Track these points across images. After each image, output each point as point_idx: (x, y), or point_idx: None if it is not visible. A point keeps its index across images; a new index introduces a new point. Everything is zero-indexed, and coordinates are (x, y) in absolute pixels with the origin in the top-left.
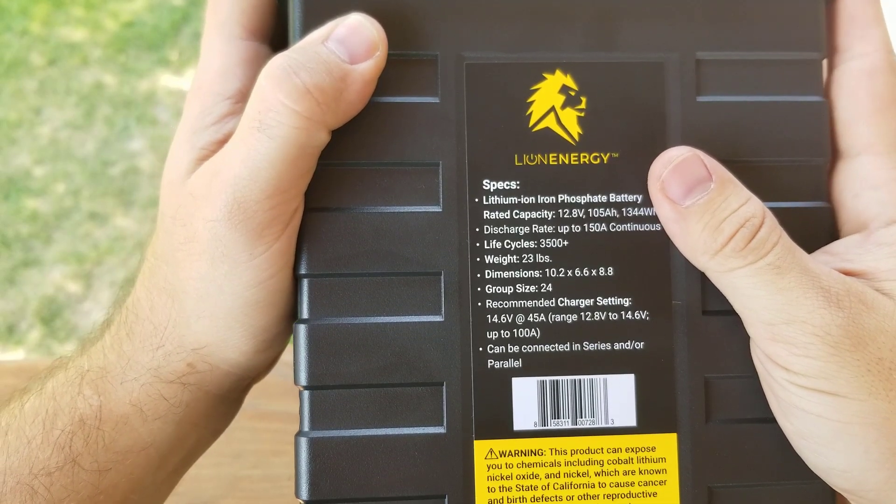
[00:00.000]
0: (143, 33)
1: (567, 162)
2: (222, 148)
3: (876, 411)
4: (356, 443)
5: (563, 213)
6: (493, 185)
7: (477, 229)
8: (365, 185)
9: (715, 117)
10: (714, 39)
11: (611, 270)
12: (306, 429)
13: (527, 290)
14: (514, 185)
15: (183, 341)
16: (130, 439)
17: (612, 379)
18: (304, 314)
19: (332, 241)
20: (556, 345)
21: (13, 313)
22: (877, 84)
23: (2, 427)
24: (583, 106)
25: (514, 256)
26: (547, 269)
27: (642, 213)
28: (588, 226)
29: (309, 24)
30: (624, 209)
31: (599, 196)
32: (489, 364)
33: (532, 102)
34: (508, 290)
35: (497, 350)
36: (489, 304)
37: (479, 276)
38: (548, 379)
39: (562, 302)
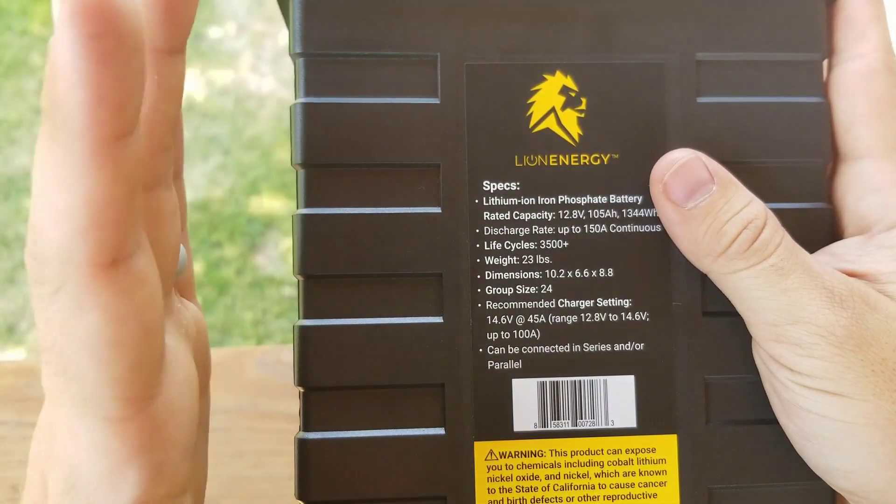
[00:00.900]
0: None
1: (567, 163)
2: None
3: (880, 412)
4: (356, 444)
5: (564, 214)
6: (494, 186)
7: (477, 230)
8: (365, 186)
9: (715, 118)
10: (714, 40)
11: (611, 271)
12: (306, 430)
13: (527, 292)
14: (514, 186)
15: None
16: None
17: (613, 380)
18: (304, 315)
19: (332, 242)
20: (557, 346)
21: (13, 313)
22: (875, 86)
23: None
24: (583, 107)
25: (515, 257)
26: (547, 270)
27: (642, 215)
28: (588, 227)
29: (309, 24)
30: (624, 210)
31: (600, 197)
32: (489, 365)
33: (532, 103)
34: (508, 291)
35: (497, 351)
36: (489, 305)
37: (479, 277)
38: (548, 380)
39: (562, 303)
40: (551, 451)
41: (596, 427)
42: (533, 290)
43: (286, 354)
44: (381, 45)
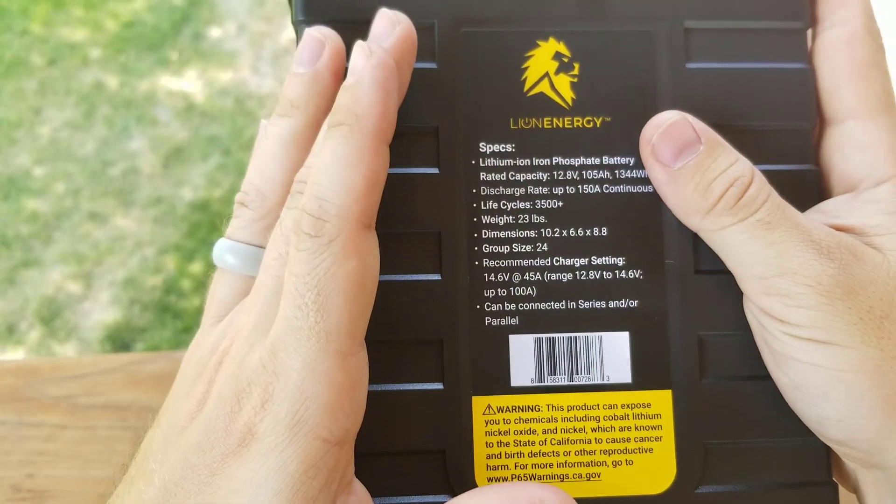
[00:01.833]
0: (143, 33)
1: (561, 126)
2: None
3: (868, 358)
4: None
5: (558, 175)
6: (490, 148)
7: (474, 190)
8: None
9: (703, 83)
10: (702, 9)
11: (604, 230)
12: None
13: (523, 250)
14: (509, 147)
15: None
16: None
17: (607, 336)
18: None
19: None
20: (552, 303)
21: (13, 313)
22: (856, 50)
23: None
24: (576, 72)
25: (511, 216)
26: (542, 229)
27: (634, 175)
28: (582, 187)
29: (311, 0)
30: (617, 171)
31: (593, 158)
32: (486, 321)
33: (527, 68)
34: (505, 249)
35: (494, 308)
36: (486, 262)
37: (476, 235)
38: (544, 336)
39: (557, 261)
40: (548, 405)
41: (592, 382)
42: (529, 248)
43: None
44: None
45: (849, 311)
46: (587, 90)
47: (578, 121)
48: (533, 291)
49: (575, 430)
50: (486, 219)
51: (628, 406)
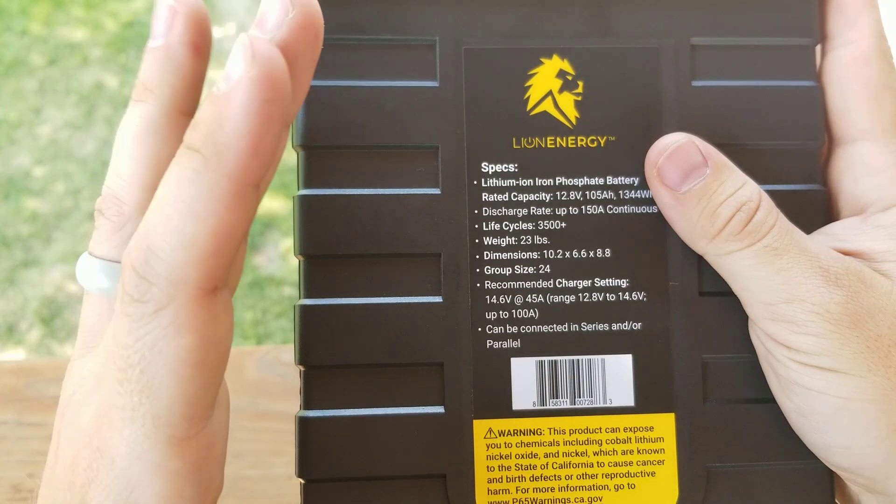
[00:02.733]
0: (143, 33)
1: (564, 145)
2: None
3: (876, 387)
4: (356, 422)
5: (561, 196)
6: (492, 168)
7: (476, 211)
8: (365, 168)
9: (710, 102)
10: (708, 25)
11: (608, 252)
12: (306, 409)
13: (525, 271)
14: (512, 167)
15: None
16: None
17: (610, 359)
18: (304, 295)
19: (332, 222)
20: (555, 325)
21: (13, 313)
22: (868, 71)
23: None
24: (580, 90)
25: (513, 238)
26: (545, 251)
27: (639, 196)
28: (585, 208)
29: None
30: (621, 191)
31: (596, 179)
32: (488, 344)
33: (530, 87)
34: (507, 271)
35: (496, 330)
36: (488, 284)
37: (477, 257)
38: (546, 359)
39: (560, 283)
40: (550, 429)
41: (594, 406)
42: (531, 269)
43: (286, 354)
44: (381, 30)
45: (857, 340)
46: (591, 109)
47: (582, 140)
48: (535, 313)
49: (577, 454)
50: (487, 240)
51: (631, 429)
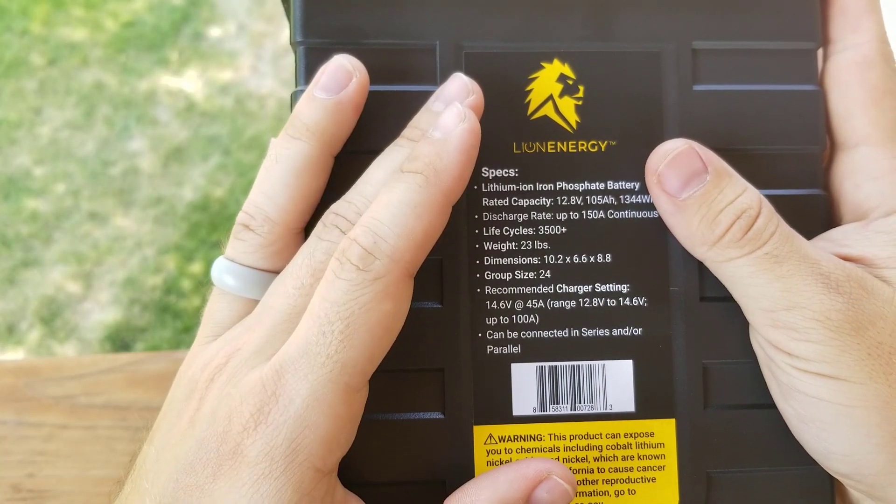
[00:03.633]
0: (143, 33)
1: (565, 150)
2: None
3: (877, 395)
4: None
5: (562, 201)
6: (492, 173)
7: (476, 216)
8: (365, 170)
9: (711, 106)
10: (710, 29)
11: (609, 257)
12: None
13: (525, 277)
14: (512, 172)
15: None
16: None
17: (611, 365)
18: None
19: None
20: (555, 331)
21: (13, 313)
22: (870, 76)
23: None
24: (580, 94)
25: (513, 243)
26: (545, 256)
27: (639, 201)
28: (586, 213)
29: (309, 13)
30: (622, 196)
31: (597, 183)
32: (488, 350)
33: (530, 91)
34: (507, 276)
35: (496, 336)
36: (488, 290)
37: (478, 262)
38: (546, 365)
39: (560, 288)
40: (550, 435)
41: (595, 411)
42: (531, 275)
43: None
44: (381, 34)
45: (857, 347)
46: (592, 113)
47: (583, 145)
48: (535, 319)
49: (577, 460)
50: (488, 245)
51: (631, 435)
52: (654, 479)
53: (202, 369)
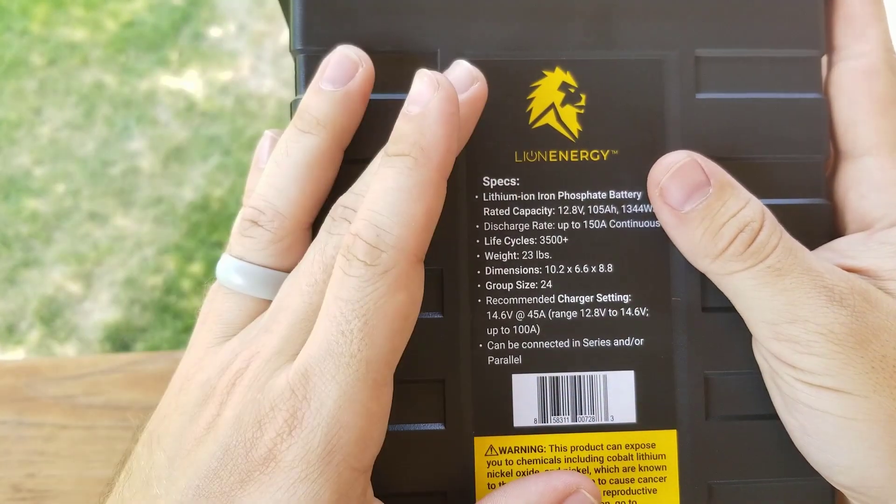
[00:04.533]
0: (143, 33)
1: (567, 159)
2: None
3: (880, 408)
4: None
5: (563, 210)
6: (493, 182)
7: (477, 226)
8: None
9: (714, 114)
10: (713, 37)
11: (610, 267)
12: None
13: (526, 287)
14: (513, 181)
15: None
16: None
17: (612, 375)
18: None
19: None
20: (556, 341)
21: (13, 313)
22: (876, 85)
23: None
24: (582, 103)
25: (514, 253)
26: (547, 266)
27: (641, 210)
28: (588, 223)
29: (309, 20)
30: (623, 206)
31: (599, 193)
32: (489, 360)
33: (532, 99)
34: (508, 286)
35: (497, 346)
36: (489, 300)
37: (478, 272)
38: (548, 375)
39: (561, 298)
40: (551, 446)
41: (596, 422)
42: (532, 285)
43: None
44: (382, 42)
45: (861, 360)
46: (594, 122)
47: (585, 154)
48: (537, 329)
49: (578, 471)
50: (489, 255)
51: (632, 446)
52: (655, 491)
53: (220, 373)
